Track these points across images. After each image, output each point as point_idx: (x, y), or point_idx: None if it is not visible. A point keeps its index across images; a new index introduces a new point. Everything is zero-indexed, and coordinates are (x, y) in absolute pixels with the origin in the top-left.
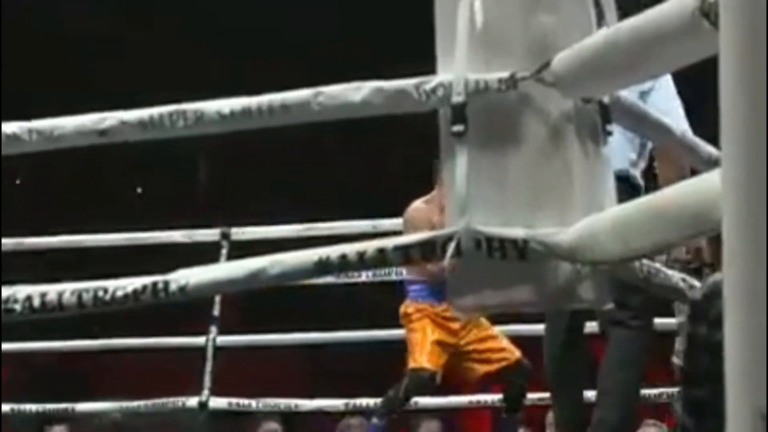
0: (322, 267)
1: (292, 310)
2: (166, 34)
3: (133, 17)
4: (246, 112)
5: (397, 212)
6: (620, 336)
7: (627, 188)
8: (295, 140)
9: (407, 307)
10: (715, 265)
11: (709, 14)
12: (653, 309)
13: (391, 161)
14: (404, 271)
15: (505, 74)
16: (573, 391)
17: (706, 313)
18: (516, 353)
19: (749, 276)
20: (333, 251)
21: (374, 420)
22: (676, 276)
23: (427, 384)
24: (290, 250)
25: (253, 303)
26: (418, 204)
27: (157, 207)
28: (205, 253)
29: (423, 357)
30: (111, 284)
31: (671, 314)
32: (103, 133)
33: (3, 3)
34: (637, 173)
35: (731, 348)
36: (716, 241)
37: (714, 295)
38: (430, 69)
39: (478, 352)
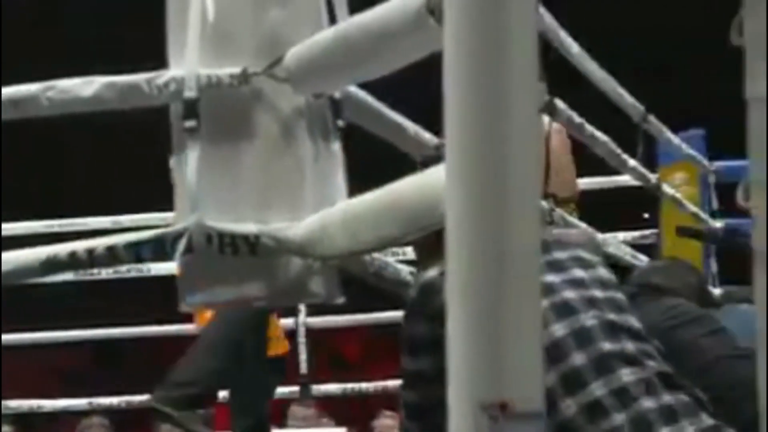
0: (51, 265)
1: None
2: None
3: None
4: None
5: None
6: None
7: None
8: (41, 136)
9: None
10: (425, 263)
11: (434, 11)
12: None
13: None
14: None
15: (237, 69)
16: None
17: (424, 310)
18: (286, 347)
19: (472, 270)
20: (62, 249)
21: None
22: (405, 270)
23: None
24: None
25: None
26: None
27: None
28: None
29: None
30: None
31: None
32: None
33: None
34: None
35: (455, 343)
36: (427, 240)
37: (431, 291)
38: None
39: None
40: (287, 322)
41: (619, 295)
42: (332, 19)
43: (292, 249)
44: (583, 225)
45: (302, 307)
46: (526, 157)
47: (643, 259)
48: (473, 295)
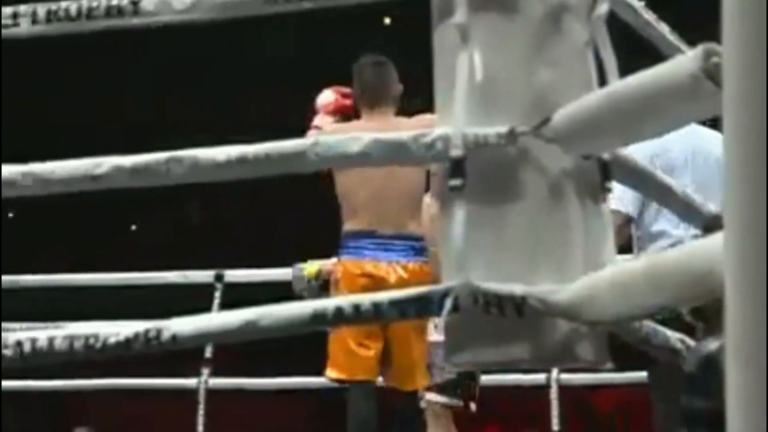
0: (317, 320)
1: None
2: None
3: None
4: (241, 160)
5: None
6: None
7: None
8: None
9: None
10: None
11: (713, 75)
12: None
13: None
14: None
15: (504, 129)
16: None
17: (704, 385)
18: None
19: (752, 342)
20: (329, 304)
21: None
22: (674, 337)
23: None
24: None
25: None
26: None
27: (151, 247)
28: (197, 296)
29: (332, 366)
30: (102, 332)
31: None
32: (96, 178)
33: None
34: None
35: (733, 412)
36: (707, 308)
37: (712, 366)
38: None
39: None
40: (538, 377)
41: None
42: (602, 82)
43: (559, 312)
44: None
45: None
46: None
47: None
48: (754, 365)
